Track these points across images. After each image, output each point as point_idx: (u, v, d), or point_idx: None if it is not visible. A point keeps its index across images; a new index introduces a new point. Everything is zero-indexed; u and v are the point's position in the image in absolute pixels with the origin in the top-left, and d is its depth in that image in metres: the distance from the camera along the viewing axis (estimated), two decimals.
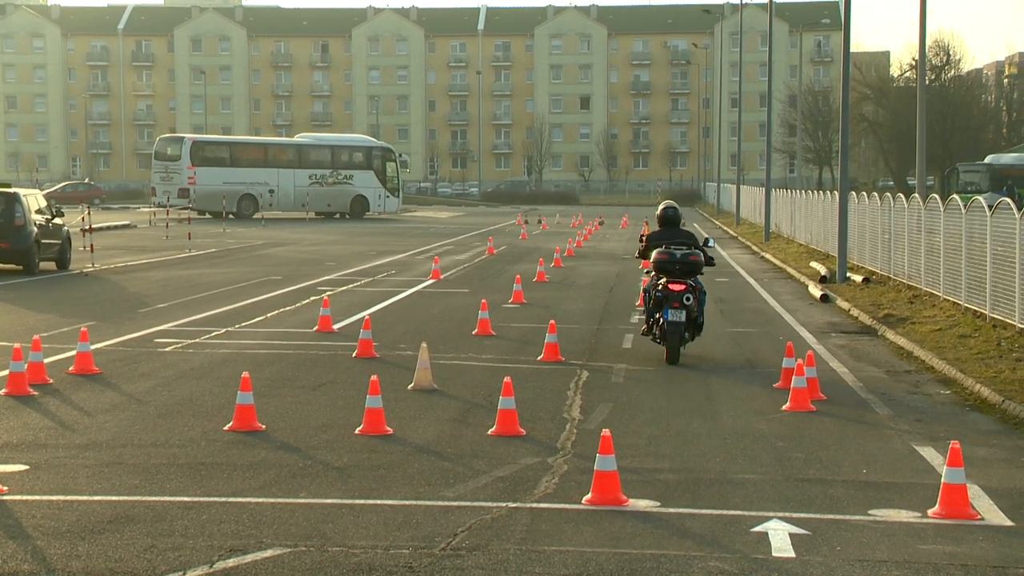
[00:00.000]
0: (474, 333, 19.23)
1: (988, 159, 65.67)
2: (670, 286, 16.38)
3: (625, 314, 22.52)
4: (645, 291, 17.05)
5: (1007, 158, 65.63)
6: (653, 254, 16.76)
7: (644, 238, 17.36)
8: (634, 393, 14.37)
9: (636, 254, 17.82)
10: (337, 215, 68.81)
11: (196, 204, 64.66)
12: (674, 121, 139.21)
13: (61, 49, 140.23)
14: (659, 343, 16.80)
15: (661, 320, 16.45)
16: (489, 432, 11.85)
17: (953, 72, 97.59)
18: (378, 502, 9.38)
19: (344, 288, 26.61)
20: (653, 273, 16.75)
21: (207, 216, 65.39)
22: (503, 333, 19.42)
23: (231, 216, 64.55)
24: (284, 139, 79.85)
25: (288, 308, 22.59)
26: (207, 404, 13.24)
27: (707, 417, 12.98)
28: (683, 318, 16.25)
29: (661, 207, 17.53)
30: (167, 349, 17.21)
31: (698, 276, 16.77)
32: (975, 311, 20.48)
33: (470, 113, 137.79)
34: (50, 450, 11.01)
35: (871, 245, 30.32)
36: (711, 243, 17.85)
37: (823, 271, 29.92)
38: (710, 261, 17.15)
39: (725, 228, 60.24)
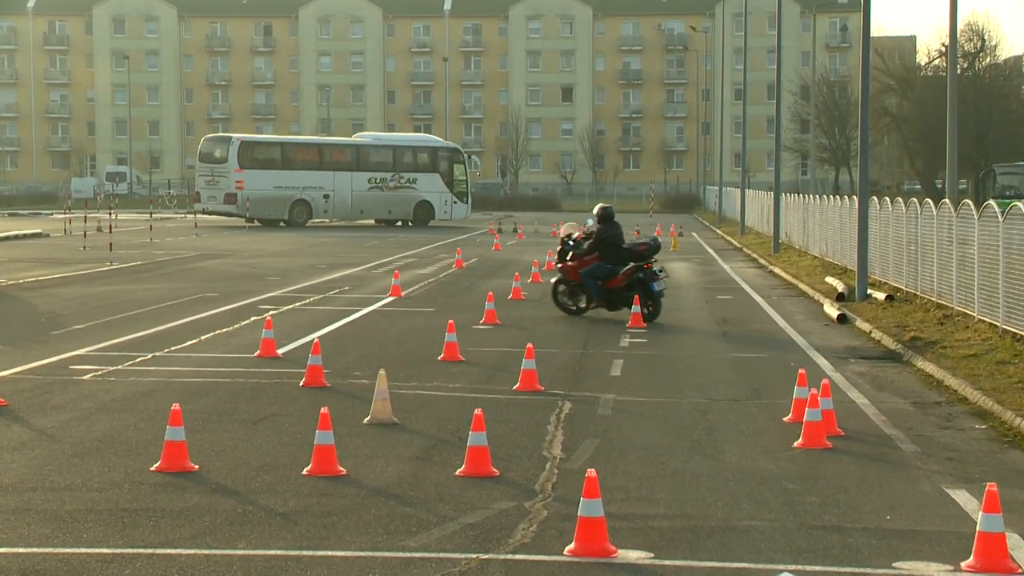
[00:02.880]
0: (440, 358, 19.23)
1: None
2: (645, 266, 24.73)
3: (614, 337, 22.57)
4: (595, 275, 24.88)
5: None
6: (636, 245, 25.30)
7: (591, 234, 25.08)
8: (624, 427, 14.39)
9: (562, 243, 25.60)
10: (399, 222, 69.65)
11: (243, 211, 65.55)
12: (669, 115, 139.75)
13: None
14: (641, 309, 24.27)
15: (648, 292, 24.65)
16: (457, 472, 11.85)
17: (989, 60, 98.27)
18: (329, 553, 9.36)
19: (290, 307, 26.58)
20: (597, 255, 24.71)
21: (256, 224, 66.16)
22: (473, 358, 19.42)
23: (283, 224, 65.05)
24: (341, 139, 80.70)
25: (225, 330, 22.54)
26: (131, 441, 13.19)
27: (708, 455, 13.01)
28: (665, 286, 25.20)
29: (600, 207, 25.44)
30: (85, 377, 17.14)
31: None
32: (1015, 333, 20.59)
33: (435, 105, 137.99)
34: None
35: (895, 258, 30.48)
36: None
37: (840, 288, 30.05)
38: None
39: (728, 238, 60.46)
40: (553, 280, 26.40)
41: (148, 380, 17.03)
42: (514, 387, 16.72)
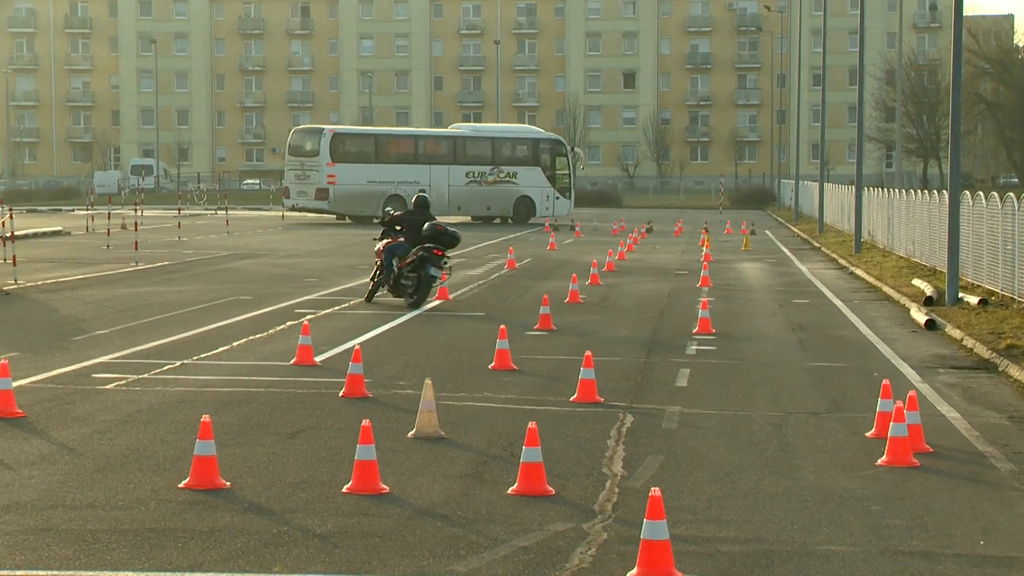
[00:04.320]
0: (491, 367, 19.26)
1: None
2: (435, 252, 26.60)
3: (680, 344, 22.54)
4: (392, 252, 27.13)
5: None
6: (427, 226, 26.93)
7: (395, 218, 28.10)
8: (691, 443, 14.37)
9: (382, 225, 28.53)
10: (497, 219, 70.48)
11: (335, 207, 66.57)
12: (741, 103, 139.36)
13: None
14: (403, 296, 27.02)
15: (420, 274, 26.75)
16: (509, 491, 11.87)
17: None
18: None
19: (329, 311, 26.69)
20: (402, 239, 27.25)
21: (347, 221, 66.98)
22: (527, 367, 19.44)
23: (376, 221, 65.71)
24: (437, 130, 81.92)
25: (259, 336, 22.66)
26: (158, 455, 13.28)
27: (783, 473, 12.97)
28: (442, 276, 27.15)
29: (418, 194, 28.38)
30: (108, 386, 17.27)
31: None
32: None
33: (486, 92, 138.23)
34: None
35: (989, 259, 30.27)
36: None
37: (929, 291, 29.87)
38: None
39: (805, 236, 60.23)
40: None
41: (176, 390, 17.13)
42: (571, 398, 16.72)
